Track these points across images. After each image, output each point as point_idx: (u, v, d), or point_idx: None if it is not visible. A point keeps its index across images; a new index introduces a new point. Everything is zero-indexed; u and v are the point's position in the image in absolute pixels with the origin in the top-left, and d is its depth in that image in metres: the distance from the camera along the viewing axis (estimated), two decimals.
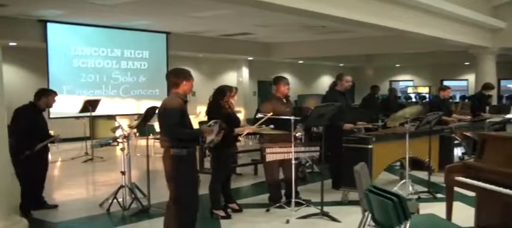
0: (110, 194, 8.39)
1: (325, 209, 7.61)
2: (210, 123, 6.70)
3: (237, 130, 7.62)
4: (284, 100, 8.22)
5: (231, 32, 19.00)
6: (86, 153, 14.06)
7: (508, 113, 12.86)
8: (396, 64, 30.40)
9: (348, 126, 8.90)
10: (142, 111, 9.85)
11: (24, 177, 7.75)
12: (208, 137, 6.62)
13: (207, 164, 9.55)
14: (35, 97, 8.11)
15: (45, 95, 8.18)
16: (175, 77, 5.99)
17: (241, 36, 20.01)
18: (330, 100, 8.37)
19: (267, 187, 8.48)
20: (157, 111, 6.39)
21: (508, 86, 28.52)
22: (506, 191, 4.94)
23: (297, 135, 7.63)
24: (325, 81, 28.55)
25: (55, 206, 8.53)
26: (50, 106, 8.41)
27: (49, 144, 8.34)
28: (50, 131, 8.46)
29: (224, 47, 20.91)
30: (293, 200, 7.65)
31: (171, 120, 5.82)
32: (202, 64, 23.14)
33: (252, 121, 8.79)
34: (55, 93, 8.42)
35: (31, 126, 7.89)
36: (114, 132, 8.89)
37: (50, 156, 8.81)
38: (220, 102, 7.69)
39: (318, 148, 8.07)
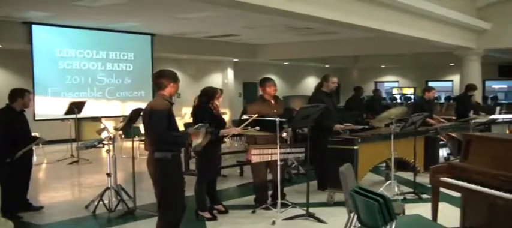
0: (95, 196, 8.37)
1: (311, 210, 7.61)
2: (197, 125, 6.67)
3: (222, 132, 7.61)
4: (272, 101, 8.21)
5: (217, 34, 18.98)
6: (72, 155, 13.98)
7: (493, 113, 12.95)
8: (381, 65, 30.50)
9: (337, 126, 8.93)
10: (127, 113, 9.82)
11: (7, 181, 7.62)
12: (195, 140, 6.58)
13: (193, 166, 9.54)
14: (10, 99, 7.96)
15: (20, 96, 7.99)
16: (162, 78, 5.88)
17: (227, 37, 20.00)
18: (316, 101, 8.37)
19: (253, 188, 8.46)
20: (142, 114, 6.33)
21: (493, 87, 28.69)
22: (492, 192, 4.95)
23: (283, 136, 7.61)
24: (310, 82, 28.60)
25: (40, 208, 8.48)
26: (27, 106, 8.19)
27: (33, 147, 8.26)
28: (33, 134, 8.38)
29: (209, 48, 20.88)
30: (279, 201, 7.64)
31: (159, 123, 5.72)
32: (187, 66, 23.09)
33: (237, 122, 8.77)
34: (29, 92, 8.26)
35: (9, 129, 7.76)
36: (100, 134, 8.84)
37: (35, 158, 8.76)
38: (206, 104, 7.67)
39: (303, 149, 8.06)
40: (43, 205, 8.62)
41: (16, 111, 7.98)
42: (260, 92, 8.41)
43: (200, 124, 6.68)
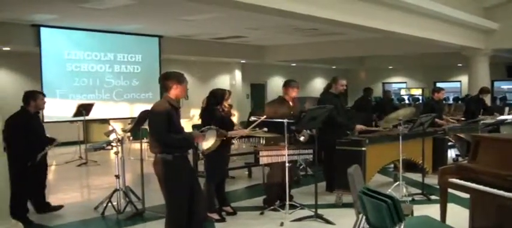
0: (104, 198, 8.40)
1: (319, 211, 7.62)
2: (203, 129, 6.70)
3: (231, 133, 7.63)
4: (291, 103, 8.25)
5: (224, 35, 19.00)
6: (80, 157, 14.04)
7: (502, 114, 12.92)
8: (389, 66, 30.45)
9: (359, 127, 8.98)
10: (135, 114, 9.85)
11: (25, 183, 7.75)
12: (203, 143, 6.58)
13: (201, 167, 9.54)
14: (24, 101, 7.98)
15: (33, 98, 8.01)
16: (166, 80, 5.89)
17: (234, 39, 20.02)
18: (325, 103, 8.39)
19: (264, 189, 8.48)
20: (142, 115, 6.37)
21: (502, 87, 28.59)
22: (500, 193, 4.94)
23: (301, 139, 7.67)
24: (317, 84, 28.62)
25: (60, 207, 8.52)
26: (41, 108, 8.23)
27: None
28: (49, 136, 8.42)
29: (216, 50, 20.90)
30: (287, 202, 7.65)
31: (156, 125, 5.77)
32: (195, 67, 23.13)
33: (245, 124, 8.79)
34: (43, 95, 8.28)
35: (26, 132, 7.78)
36: (108, 136, 8.88)
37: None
38: (214, 106, 7.69)
39: (311, 151, 8.07)
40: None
41: (30, 114, 8.01)
42: (282, 93, 8.44)
43: (207, 127, 6.71)
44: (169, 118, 5.73)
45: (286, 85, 8.35)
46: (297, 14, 9.92)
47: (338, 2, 10.62)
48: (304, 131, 8.02)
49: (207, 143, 6.59)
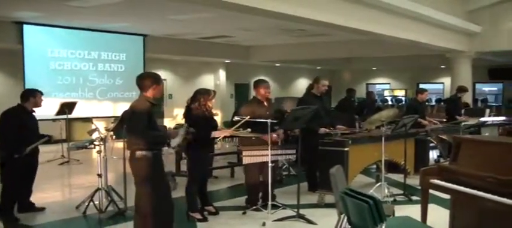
0: (86, 197, 8.37)
1: (301, 211, 7.63)
2: (176, 125, 6.81)
3: (213, 133, 7.63)
4: (265, 103, 8.24)
5: (209, 35, 18.97)
6: (62, 156, 13.95)
7: (483, 116, 13.02)
8: (373, 67, 30.58)
9: (322, 129, 8.96)
10: (119, 113, 9.82)
11: (11, 180, 7.79)
12: (173, 140, 6.70)
13: (184, 167, 9.54)
14: (22, 99, 8.07)
15: (33, 95, 8.14)
16: (144, 80, 6.09)
17: (219, 39, 20.00)
18: (306, 103, 8.43)
19: (245, 189, 8.48)
20: (124, 114, 6.47)
21: (483, 89, 28.82)
22: (481, 194, 4.99)
23: (273, 137, 7.64)
24: (302, 84, 28.66)
25: (42, 209, 8.48)
26: (39, 106, 8.30)
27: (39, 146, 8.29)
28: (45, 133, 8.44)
29: (201, 49, 20.87)
30: (270, 202, 7.66)
31: (138, 122, 5.92)
32: (180, 67, 23.10)
33: (229, 124, 8.80)
34: (41, 93, 8.37)
35: (22, 129, 7.84)
36: (91, 134, 8.84)
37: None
38: (196, 106, 7.67)
39: (294, 151, 8.08)
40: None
41: (27, 111, 8.08)
42: (253, 94, 8.42)
43: (179, 124, 6.80)
44: (149, 116, 5.95)
45: (257, 85, 8.30)
46: (283, 14, 9.94)
47: (325, 4, 10.65)
48: (278, 129, 8.03)
49: (176, 139, 6.70)
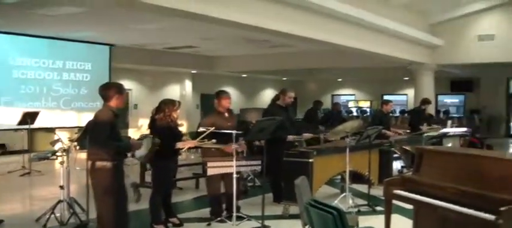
0: (47, 209, 8.21)
1: (266, 222, 7.64)
2: (140, 136, 6.77)
3: (178, 144, 7.60)
4: (226, 114, 8.24)
5: (175, 45, 18.93)
6: (23, 167, 13.68)
7: (445, 127, 13.21)
8: (338, 78, 30.82)
9: (291, 137, 9.02)
10: (83, 124, 9.72)
11: None
12: (138, 152, 6.67)
13: (148, 178, 9.48)
14: None
15: None
16: (107, 90, 6.12)
17: (186, 49, 19.96)
18: (271, 114, 8.45)
19: (209, 201, 8.45)
20: (87, 125, 6.46)
21: (445, 101, 29.24)
22: (442, 204, 5.06)
23: (235, 147, 7.64)
24: (267, 95, 28.73)
25: (1, 222, 8.32)
26: None
27: None
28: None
29: (167, 59, 20.81)
30: (234, 214, 7.64)
31: (100, 132, 5.93)
32: (145, 77, 22.99)
33: (194, 135, 8.76)
34: None
35: None
36: (54, 145, 8.73)
37: None
38: (161, 117, 7.63)
39: (259, 162, 8.09)
40: None
41: None
42: (215, 105, 8.41)
43: (144, 135, 6.77)
44: (112, 126, 5.95)
45: (218, 96, 8.31)
46: (248, 25, 9.97)
47: (290, 15, 10.71)
48: (241, 140, 8.04)
49: (142, 150, 6.67)
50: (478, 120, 21.62)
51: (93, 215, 7.85)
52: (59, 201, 8.04)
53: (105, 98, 6.09)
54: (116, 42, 17.97)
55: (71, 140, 8.76)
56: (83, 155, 7.83)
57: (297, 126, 10.32)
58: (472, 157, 5.57)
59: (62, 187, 8.02)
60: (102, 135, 5.90)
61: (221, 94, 8.30)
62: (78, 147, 12.88)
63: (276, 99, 9.54)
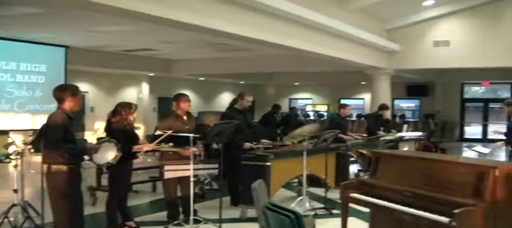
0: (0, 213, 8.06)
1: (224, 226, 7.64)
2: (100, 141, 6.68)
3: (135, 147, 7.53)
4: (185, 117, 8.20)
5: (132, 48, 18.78)
6: None
7: (401, 131, 13.37)
8: (295, 82, 30.98)
9: (247, 145, 9.01)
10: (38, 126, 9.54)
11: None
12: (98, 157, 6.57)
13: (104, 182, 9.38)
14: None
15: None
16: (61, 92, 6.04)
17: (143, 52, 19.83)
18: (229, 118, 8.46)
19: (165, 204, 8.40)
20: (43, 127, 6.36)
21: (401, 105, 29.65)
22: (397, 207, 5.12)
23: (193, 150, 7.60)
24: (225, 98, 28.75)
25: None
26: None
27: None
28: None
29: (125, 62, 20.62)
30: (191, 217, 7.61)
31: (53, 135, 5.85)
32: (102, 79, 22.75)
33: (151, 138, 8.70)
34: None
35: None
36: (7, 148, 8.56)
37: None
38: (117, 120, 7.56)
39: (216, 165, 8.07)
40: None
41: None
42: (174, 108, 8.36)
43: (104, 139, 6.69)
44: (66, 129, 5.85)
45: (177, 99, 8.25)
46: (207, 28, 9.94)
47: (248, 18, 10.71)
48: (199, 144, 8.02)
49: (105, 156, 6.56)
50: (433, 125, 21.92)
51: (48, 219, 7.75)
52: (13, 205, 7.89)
53: (60, 100, 6.01)
54: (72, 43, 17.70)
55: (25, 143, 8.59)
56: (37, 158, 7.71)
57: (254, 130, 10.34)
58: (427, 161, 5.65)
59: (15, 191, 7.87)
60: (55, 138, 5.82)
61: (180, 97, 8.24)
62: (32, 150, 12.67)
63: (234, 102, 9.55)
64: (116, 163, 6.96)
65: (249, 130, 9.49)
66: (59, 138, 5.80)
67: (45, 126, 6.11)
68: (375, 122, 13.65)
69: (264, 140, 9.61)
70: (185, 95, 8.36)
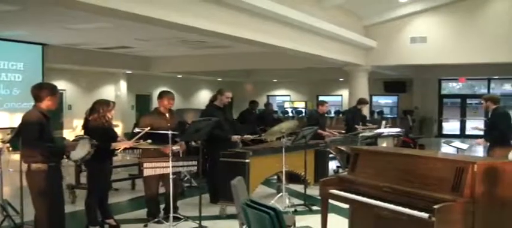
0: None
1: (204, 223, 7.64)
2: (75, 137, 6.67)
3: (113, 145, 7.50)
4: (167, 114, 8.19)
5: (110, 45, 18.68)
6: None
7: (379, 127, 13.45)
8: (273, 79, 31.01)
9: (235, 137, 9.06)
10: (16, 124, 9.47)
11: None
12: (74, 153, 6.54)
13: (83, 179, 9.34)
14: None
15: None
16: (38, 91, 6.00)
17: (120, 49, 19.73)
18: (208, 115, 8.48)
19: (145, 202, 8.39)
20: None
21: (379, 101, 29.84)
22: (376, 203, 5.16)
23: (173, 148, 7.60)
24: (203, 96, 28.71)
25: None
26: None
27: None
28: None
29: (102, 60, 20.52)
30: (171, 214, 7.61)
31: (29, 134, 5.85)
32: (80, 77, 22.61)
33: (129, 135, 8.68)
34: None
35: None
36: None
37: None
38: (95, 118, 7.53)
39: (195, 162, 8.08)
40: None
41: None
42: (156, 105, 8.35)
43: (79, 136, 6.68)
44: (41, 127, 5.82)
45: (161, 96, 8.24)
46: (183, 26, 9.94)
47: (224, 15, 10.71)
48: (180, 141, 8.03)
49: (79, 152, 6.54)
50: (411, 121, 22.12)
51: (27, 217, 7.72)
52: None
53: (37, 98, 5.98)
54: (49, 41, 17.57)
55: (3, 142, 8.55)
56: (16, 157, 7.67)
57: (235, 127, 10.37)
58: (406, 157, 5.70)
59: None
60: (31, 137, 5.81)
61: (164, 94, 8.24)
62: (10, 149, 12.59)
63: (213, 99, 9.56)
64: (95, 161, 6.94)
65: (230, 126, 9.53)
66: (35, 137, 5.77)
67: (20, 125, 6.08)
68: (353, 116, 13.70)
69: (246, 136, 9.65)
70: (169, 92, 8.36)
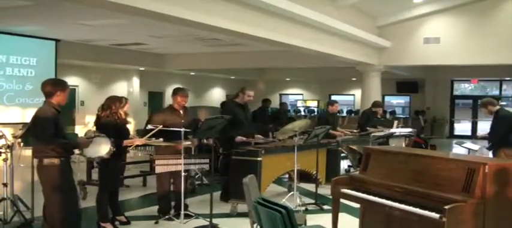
0: None
1: (214, 221, 7.63)
2: (89, 135, 6.67)
3: (125, 142, 7.51)
4: (181, 111, 8.19)
5: (124, 42, 18.71)
6: None
7: (391, 127, 13.39)
8: (286, 78, 30.96)
9: (238, 138, 9.02)
10: (28, 120, 9.50)
11: None
12: (90, 150, 6.55)
13: (95, 176, 9.35)
14: None
15: None
16: (49, 87, 6.04)
17: (134, 46, 19.76)
18: (227, 111, 8.51)
19: (157, 199, 8.39)
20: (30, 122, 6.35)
21: (391, 101, 29.74)
22: (387, 203, 5.15)
23: (185, 144, 7.59)
24: (216, 93, 28.74)
25: None
26: None
27: None
28: None
29: (115, 56, 20.54)
30: (182, 212, 7.61)
31: (45, 129, 5.84)
32: (92, 73, 22.65)
33: (141, 132, 8.69)
34: None
35: None
36: None
37: None
38: (107, 114, 7.52)
39: (208, 160, 8.08)
40: None
41: None
42: (171, 101, 8.36)
43: (95, 134, 6.69)
44: (56, 123, 5.86)
45: (175, 93, 8.27)
46: (198, 23, 9.92)
47: (240, 14, 10.70)
48: (192, 138, 8.03)
49: (97, 150, 6.55)
50: (422, 121, 22.02)
51: (37, 213, 7.74)
52: (2, 199, 7.86)
53: (49, 94, 6.01)
54: (63, 37, 17.63)
55: (15, 137, 8.56)
56: (27, 152, 7.68)
57: (253, 125, 10.38)
58: (417, 157, 5.67)
59: (5, 184, 7.85)
60: (48, 133, 5.81)
61: (178, 91, 8.26)
62: (22, 144, 12.61)
63: (235, 96, 9.60)
64: (107, 157, 6.96)
65: (251, 125, 9.56)
66: (52, 133, 5.79)
67: (33, 121, 6.07)
68: (366, 118, 13.65)
69: (257, 136, 9.64)
70: (183, 89, 8.38)
